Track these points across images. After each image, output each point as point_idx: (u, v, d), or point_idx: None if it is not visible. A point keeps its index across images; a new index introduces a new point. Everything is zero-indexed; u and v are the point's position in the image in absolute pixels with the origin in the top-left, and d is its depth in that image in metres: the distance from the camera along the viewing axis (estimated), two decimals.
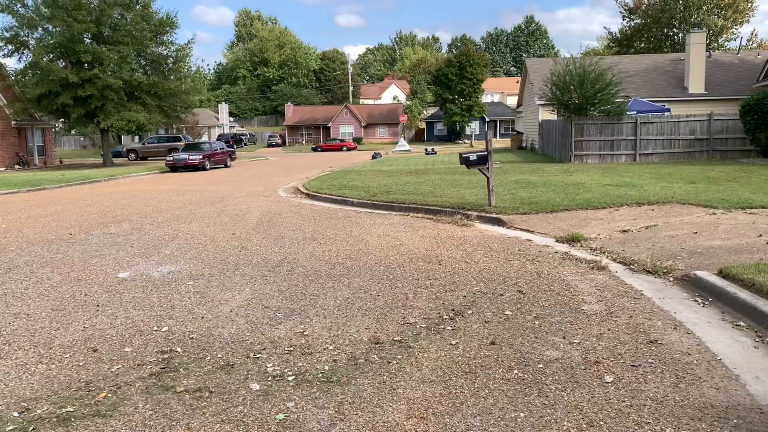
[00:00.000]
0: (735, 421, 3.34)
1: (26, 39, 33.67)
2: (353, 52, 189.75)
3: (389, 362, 4.28)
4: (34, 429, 3.47)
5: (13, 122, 35.57)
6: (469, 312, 5.34)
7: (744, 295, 5.21)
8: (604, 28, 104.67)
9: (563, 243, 8.24)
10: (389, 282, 6.47)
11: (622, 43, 56.30)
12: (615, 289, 5.98)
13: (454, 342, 4.63)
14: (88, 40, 33.83)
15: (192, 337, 4.92)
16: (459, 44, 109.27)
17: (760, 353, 4.28)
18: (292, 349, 4.60)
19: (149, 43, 34.94)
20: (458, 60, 59.84)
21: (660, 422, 3.34)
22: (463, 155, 11.22)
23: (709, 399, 3.60)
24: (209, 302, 5.93)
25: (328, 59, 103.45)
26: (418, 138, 71.24)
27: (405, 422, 3.43)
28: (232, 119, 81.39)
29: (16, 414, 3.65)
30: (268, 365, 4.29)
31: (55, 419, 3.57)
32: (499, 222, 10.02)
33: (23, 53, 34.00)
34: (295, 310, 5.57)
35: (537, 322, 5.02)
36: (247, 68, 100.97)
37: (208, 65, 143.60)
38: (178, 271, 7.29)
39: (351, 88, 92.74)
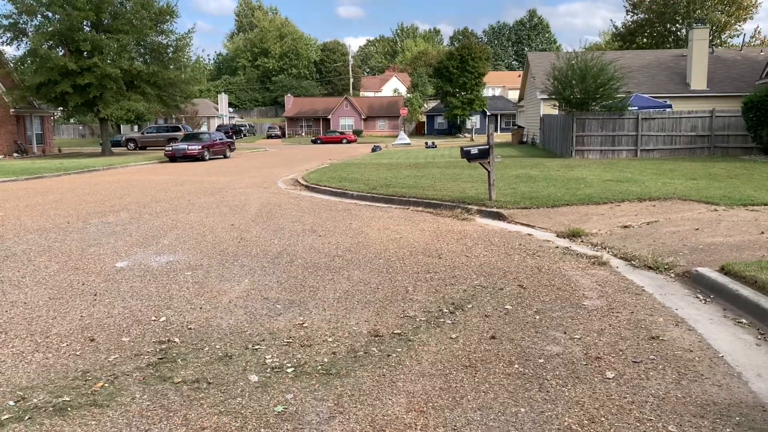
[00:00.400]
0: (737, 418, 3.32)
1: (25, 26, 33.50)
2: (354, 43, 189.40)
3: (389, 355, 4.26)
4: (30, 418, 3.44)
5: (11, 110, 35.43)
6: (470, 306, 5.32)
7: (746, 292, 5.19)
8: (610, 20, 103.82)
9: (564, 238, 8.21)
10: (389, 275, 6.45)
11: (625, 38, 56.16)
12: (616, 284, 5.96)
13: (454, 336, 4.61)
14: (87, 28, 33.66)
15: (190, 328, 4.90)
16: (461, 37, 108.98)
17: (762, 351, 4.26)
18: (291, 340, 4.58)
19: (149, 31, 34.77)
20: (460, 53, 59.69)
21: (662, 419, 3.32)
22: (465, 149, 11.18)
23: (711, 396, 3.58)
24: (208, 293, 5.90)
25: (329, 50, 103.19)
26: (418, 131, 71.13)
27: (404, 416, 3.41)
28: (231, 110, 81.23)
29: (12, 403, 3.63)
30: (266, 357, 4.27)
31: (51, 408, 3.55)
32: (499, 216, 9.99)
33: (22, 41, 33.86)
34: (295, 302, 5.54)
35: (538, 317, 4.99)
36: (247, 59, 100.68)
37: (208, 55, 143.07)
38: (176, 261, 7.26)
39: (351, 80, 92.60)
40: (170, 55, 37.05)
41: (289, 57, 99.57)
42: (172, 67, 36.69)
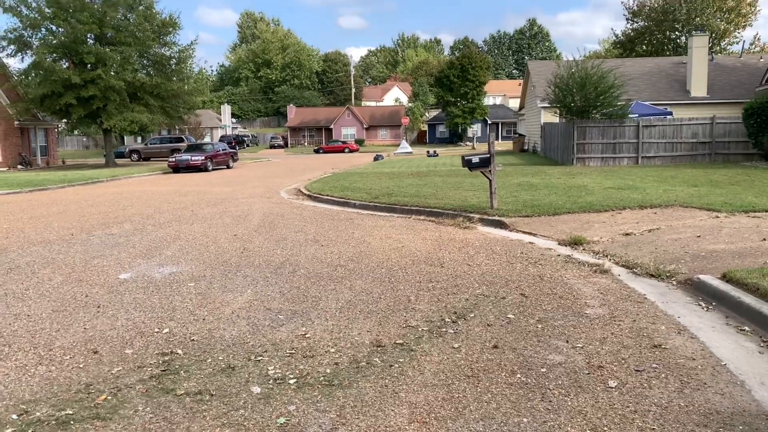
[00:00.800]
0: (741, 427, 3.30)
1: (30, 40, 33.72)
2: (355, 53, 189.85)
3: (391, 365, 4.25)
4: None
5: (16, 122, 35.61)
6: (472, 315, 5.31)
7: (748, 299, 5.17)
8: (611, 29, 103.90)
9: (566, 246, 8.20)
10: (391, 284, 6.44)
11: (624, 46, 56.36)
12: (618, 292, 5.94)
13: (456, 345, 4.60)
14: (91, 41, 33.87)
15: (193, 339, 4.90)
16: (461, 46, 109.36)
17: (765, 358, 4.24)
18: (293, 351, 4.57)
19: (152, 43, 34.99)
20: (460, 62, 59.82)
21: (665, 428, 3.30)
22: (466, 158, 11.19)
23: (714, 405, 3.56)
24: (211, 304, 5.90)
25: (331, 61, 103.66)
26: (420, 140, 71.22)
27: (407, 427, 3.40)
28: (234, 120, 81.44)
29: (15, 416, 3.62)
30: (269, 368, 4.26)
31: (54, 422, 3.54)
32: (501, 225, 9.99)
33: (26, 53, 34.08)
34: (297, 313, 5.53)
35: (540, 326, 4.98)
36: (249, 69, 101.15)
37: (210, 66, 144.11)
38: (179, 273, 7.27)
39: (353, 90, 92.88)
40: (173, 66, 37.27)
41: (291, 68, 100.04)
42: (175, 78, 36.90)
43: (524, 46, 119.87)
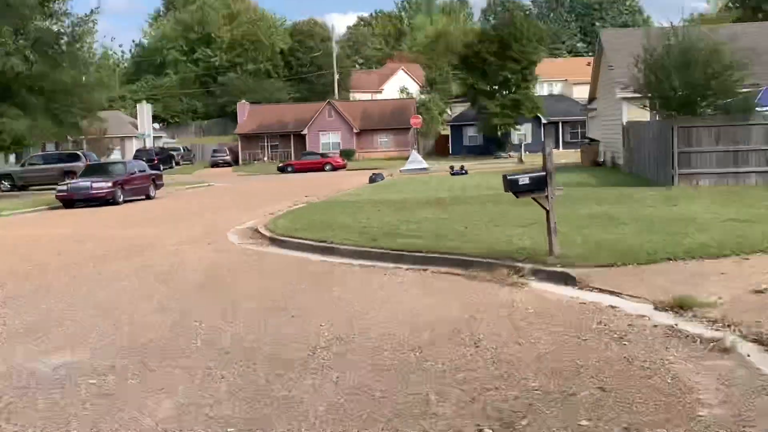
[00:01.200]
0: None
1: None
2: (339, 22, 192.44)
3: None
4: None
5: None
6: (524, 422, 5.28)
7: None
8: None
9: (666, 311, 8.20)
10: (399, 376, 6.44)
11: (746, 4, 56.98)
12: (748, 382, 5.92)
13: None
14: None
15: None
16: (499, 8, 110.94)
17: None
18: None
19: (32, 13, 35.30)
20: (498, 33, 60.60)
21: None
22: (509, 177, 11.25)
23: None
24: (123, 411, 5.87)
25: (302, 34, 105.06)
26: (438, 150, 71.76)
27: None
28: (157, 126, 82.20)
29: None
30: None
31: None
32: (567, 279, 10.01)
33: None
34: (256, 423, 5.51)
35: None
36: (180, 50, 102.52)
37: (120, 46, 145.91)
38: (75, 364, 7.25)
39: (337, 77, 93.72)
40: (63, 47, 37.57)
41: (243, 45, 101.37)
42: (66, 65, 37.13)
43: (593, 7, 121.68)
